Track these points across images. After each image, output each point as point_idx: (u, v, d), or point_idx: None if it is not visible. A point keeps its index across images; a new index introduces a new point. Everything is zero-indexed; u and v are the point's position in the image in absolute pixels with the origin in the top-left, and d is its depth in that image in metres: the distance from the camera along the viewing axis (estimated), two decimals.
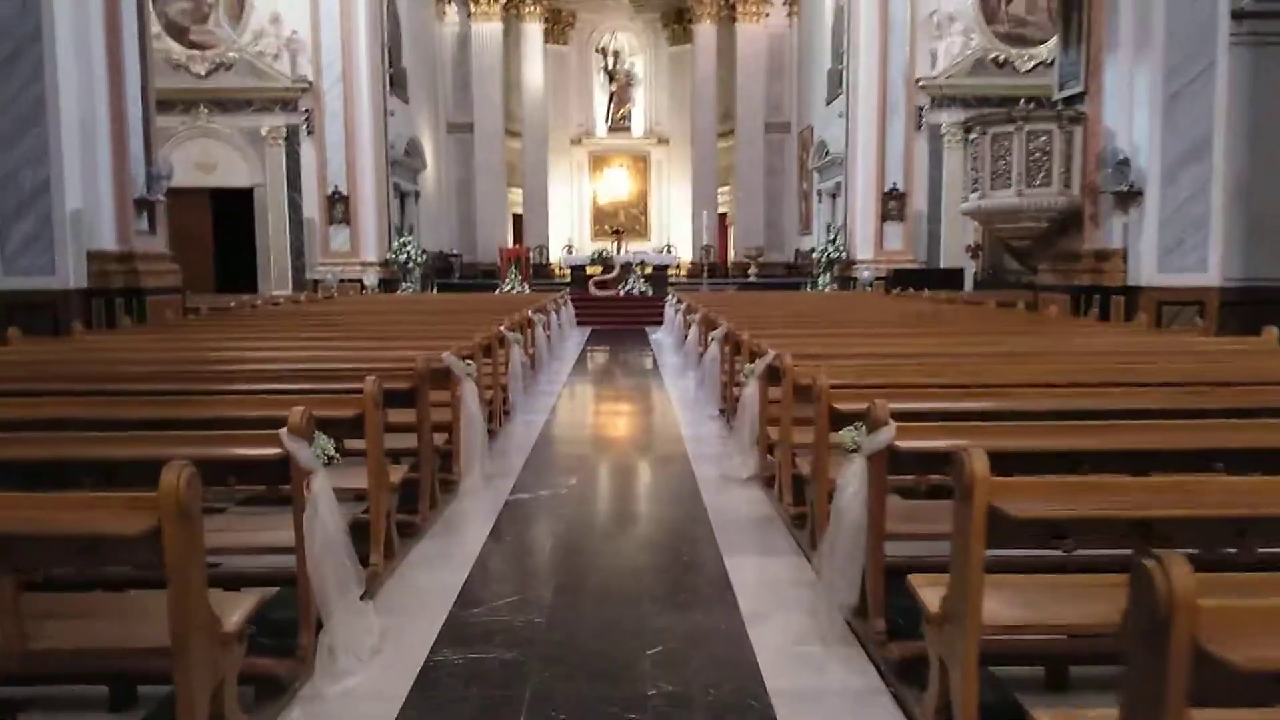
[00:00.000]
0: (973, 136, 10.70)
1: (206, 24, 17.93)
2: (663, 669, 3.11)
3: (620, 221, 26.88)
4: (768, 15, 25.36)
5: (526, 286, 19.97)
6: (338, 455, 3.17)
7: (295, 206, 18.41)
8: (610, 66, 28.11)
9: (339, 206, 18.38)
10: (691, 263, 25.03)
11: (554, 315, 12.86)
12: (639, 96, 28.33)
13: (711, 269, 23.25)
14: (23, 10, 8.91)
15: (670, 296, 16.17)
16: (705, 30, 25.53)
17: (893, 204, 18.52)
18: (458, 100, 25.27)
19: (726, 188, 26.62)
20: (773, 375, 5.35)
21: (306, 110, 18.18)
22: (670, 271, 21.65)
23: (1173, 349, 5.88)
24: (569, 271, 21.74)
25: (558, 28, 27.13)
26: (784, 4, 25.26)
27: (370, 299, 15.25)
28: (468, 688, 3.00)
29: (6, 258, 9.11)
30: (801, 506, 4.55)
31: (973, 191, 10.81)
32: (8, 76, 8.95)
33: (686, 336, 11.36)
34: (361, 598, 3.38)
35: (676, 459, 6.45)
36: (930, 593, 2.61)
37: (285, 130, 18.18)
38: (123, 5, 9.83)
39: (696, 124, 25.89)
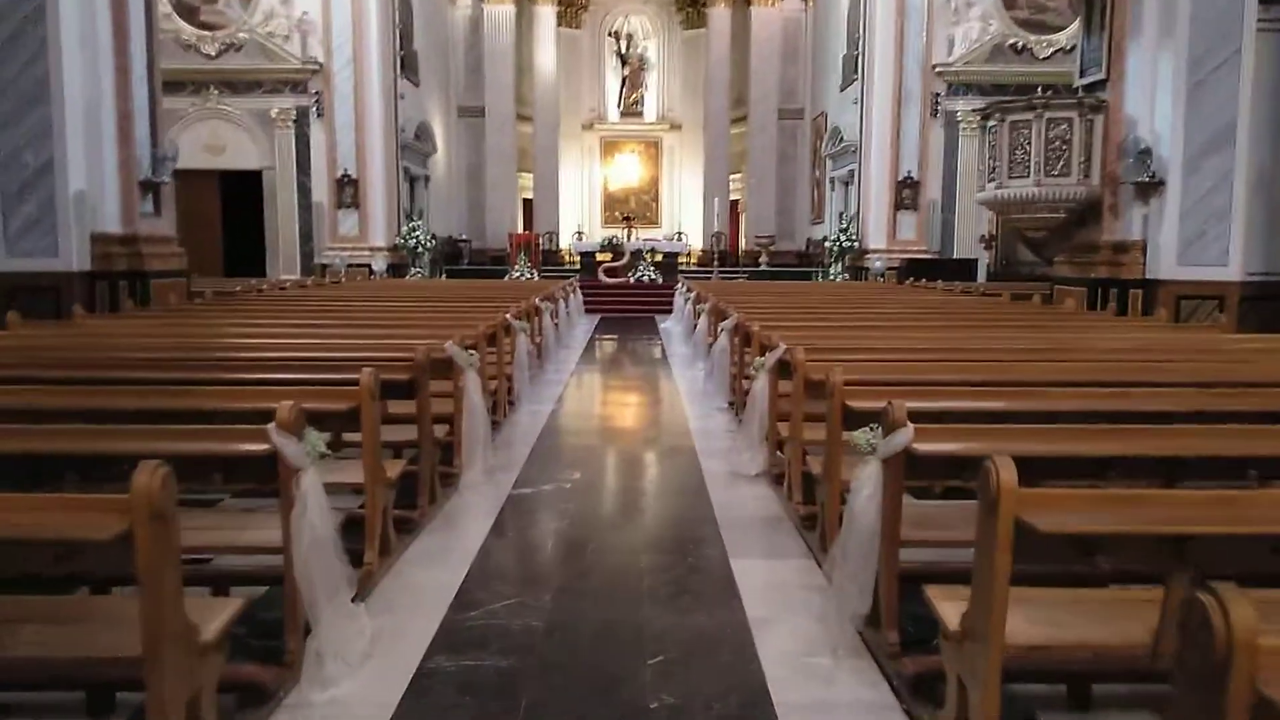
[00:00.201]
0: (991, 124, 10.47)
1: (217, 4, 17.78)
2: (664, 679, 2.98)
3: (631, 208, 26.68)
4: None
5: (536, 273, 19.81)
6: (330, 451, 3.04)
7: (304, 190, 18.29)
8: (623, 50, 27.84)
9: (348, 190, 18.25)
10: (702, 250, 24.83)
11: (562, 303, 12.72)
12: (651, 81, 28.07)
13: (722, 257, 23.05)
14: None
15: (680, 285, 16.00)
16: (719, 14, 25.24)
17: (906, 193, 18.28)
18: (469, 84, 25.07)
19: (738, 175, 26.37)
20: (783, 369, 5.20)
21: (316, 92, 18.03)
22: (680, 259, 21.47)
23: (1196, 347, 5.71)
24: (579, 258, 21.58)
25: (570, 11, 26.88)
26: None
27: (377, 284, 15.12)
28: (461, 696, 2.87)
29: (9, 239, 9.00)
30: (811, 506, 4.41)
31: (989, 180, 10.58)
32: (10, 55, 8.83)
33: (696, 326, 11.21)
34: (354, 598, 3.26)
35: (683, 453, 6.31)
36: (949, 607, 2.47)
37: (295, 112, 18.04)
38: None
39: (709, 109, 25.64)
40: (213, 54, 17.69)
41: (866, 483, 2.98)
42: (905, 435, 2.91)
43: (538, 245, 22.35)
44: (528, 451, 6.24)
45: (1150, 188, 9.30)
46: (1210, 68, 8.98)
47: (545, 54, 25.56)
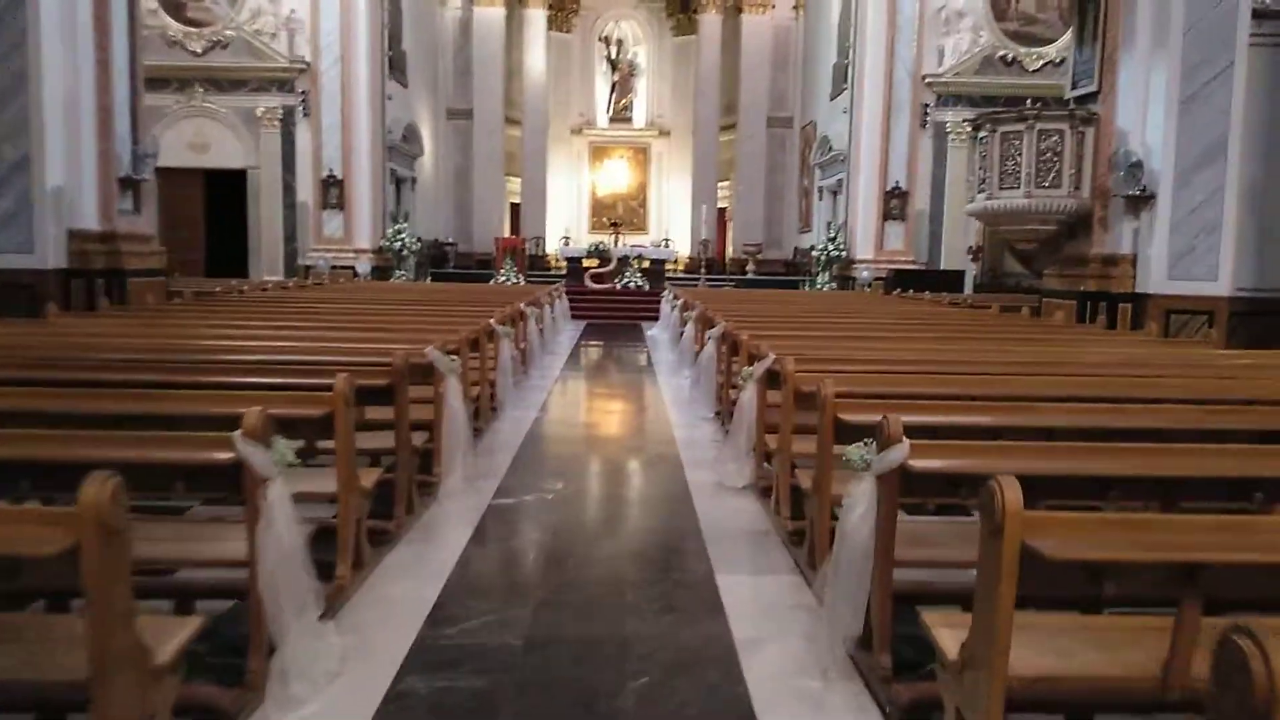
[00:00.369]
0: (982, 135, 10.41)
1: (204, 1, 17.58)
2: (647, 703, 2.85)
3: (619, 214, 26.55)
4: (773, 7, 25.02)
5: (522, 278, 19.67)
6: (298, 460, 2.90)
7: (289, 190, 18.09)
8: (613, 56, 27.75)
9: (333, 191, 18.05)
10: (689, 258, 24.75)
11: (548, 308, 12.58)
12: (641, 87, 28.00)
13: (709, 264, 22.96)
14: None
15: (667, 292, 15.90)
16: (710, 21, 25.20)
17: (895, 203, 18.23)
18: (458, 86, 24.91)
19: (726, 182, 26.31)
20: (772, 379, 5.09)
21: (303, 91, 17.84)
22: (668, 266, 21.37)
23: (1187, 362, 5.63)
24: (565, 263, 21.44)
25: (561, 15, 26.78)
26: None
27: (361, 286, 14.95)
28: (434, 719, 2.73)
29: None
30: (800, 521, 4.29)
31: (980, 191, 10.53)
32: None
33: (682, 333, 11.10)
34: (325, 614, 3.13)
35: (669, 463, 6.19)
36: (947, 635, 2.35)
37: (281, 111, 17.85)
38: None
39: (699, 116, 25.59)
40: (199, 51, 17.49)
41: (860, 500, 2.87)
42: (901, 451, 2.80)
43: (524, 250, 22.20)
44: (510, 460, 6.10)
45: (1141, 201, 9.25)
46: (1203, 81, 8.94)
47: (535, 58, 25.45)
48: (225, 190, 17.93)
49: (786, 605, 3.63)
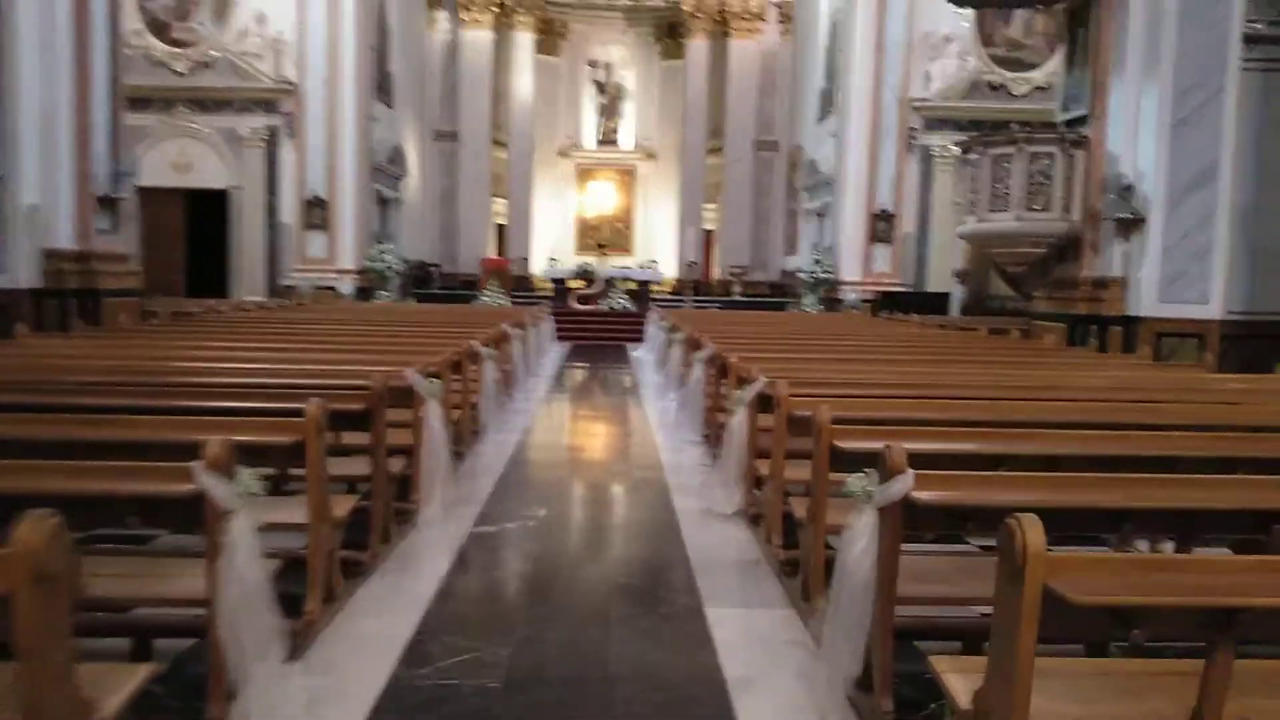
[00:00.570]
0: (972, 157, 10.35)
1: (189, 21, 17.45)
2: None
3: (605, 236, 26.45)
4: (761, 32, 25.10)
5: (507, 299, 19.51)
6: (263, 492, 2.72)
7: (272, 210, 17.91)
8: (601, 79, 27.75)
9: (317, 212, 17.88)
10: (676, 279, 24.67)
11: (533, 329, 12.42)
12: (629, 110, 27.98)
13: (696, 286, 22.88)
14: None
15: (653, 313, 15.76)
16: (698, 46, 25.25)
17: (881, 225, 18.20)
18: (445, 108, 24.83)
19: (713, 205, 26.29)
20: (763, 403, 4.93)
21: (288, 112, 17.70)
22: (653, 288, 21.25)
23: (1183, 386, 5.51)
24: (551, 284, 21.31)
25: (549, 38, 26.77)
26: (778, 21, 25.01)
27: (343, 307, 14.76)
28: None
29: None
30: (792, 551, 4.12)
31: (970, 214, 10.46)
32: None
33: (669, 355, 10.95)
34: (292, 653, 2.94)
35: (655, 488, 6.01)
36: (958, 682, 2.19)
37: (265, 132, 17.70)
38: None
39: (686, 140, 25.58)
40: (183, 71, 17.33)
41: (861, 534, 2.71)
42: (905, 482, 2.64)
43: (509, 271, 22.06)
44: (492, 485, 5.91)
45: (1131, 224, 9.19)
46: (1194, 105, 8.91)
47: (523, 81, 25.43)
48: (207, 210, 17.73)
49: (780, 641, 3.46)
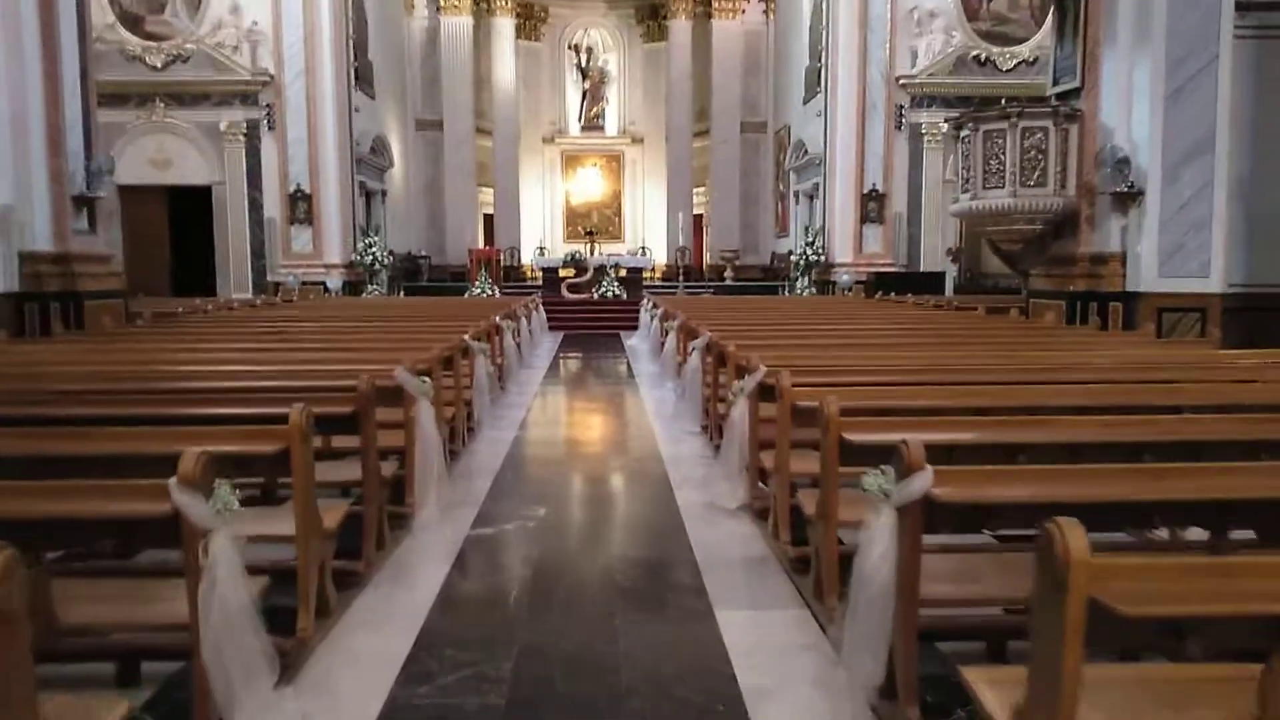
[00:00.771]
0: (964, 134, 10.16)
1: (163, 14, 17.15)
2: None
3: (594, 223, 26.24)
4: (744, 12, 24.86)
5: (497, 290, 19.33)
6: (239, 508, 2.55)
7: (255, 205, 17.68)
8: (583, 64, 27.47)
9: (301, 205, 17.65)
10: (666, 265, 24.49)
11: (524, 320, 12.25)
12: (612, 95, 27.73)
13: (687, 271, 22.71)
14: None
15: (645, 300, 15.60)
16: (680, 27, 24.99)
17: (872, 205, 18.07)
18: (426, 97, 24.56)
19: (702, 188, 26.10)
20: (765, 392, 4.78)
21: (268, 105, 17.44)
22: (645, 274, 21.08)
23: (1195, 363, 5.38)
24: (541, 274, 21.12)
25: (529, 23, 26.47)
26: (760, 0, 24.76)
27: (331, 303, 14.56)
28: None
29: None
30: (802, 548, 3.98)
31: (964, 192, 10.28)
32: None
33: (663, 343, 10.80)
34: (284, 673, 2.80)
35: (656, 482, 5.87)
36: (993, 696, 2.05)
37: (245, 125, 17.45)
38: None
39: (671, 123, 25.35)
40: (159, 65, 17.05)
41: (879, 536, 2.56)
42: (924, 479, 2.50)
43: (499, 261, 21.86)
44: (488, 485, 5.76)
45: (1128, 198, 9.04)
46: (1187, 75, 8.75)
47: (504, 67, 25.14)
48: (190, 207, 17.49)
49: (796, 645, 3.32)
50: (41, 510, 2.35)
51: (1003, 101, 10.46)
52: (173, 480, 2.38)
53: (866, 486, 2.64)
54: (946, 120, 13.30)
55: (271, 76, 17.27)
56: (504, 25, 25.06)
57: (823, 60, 18.77)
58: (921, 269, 17.81)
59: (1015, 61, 17.65)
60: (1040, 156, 9.63)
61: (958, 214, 10.96)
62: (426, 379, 4.93)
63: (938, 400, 3.99)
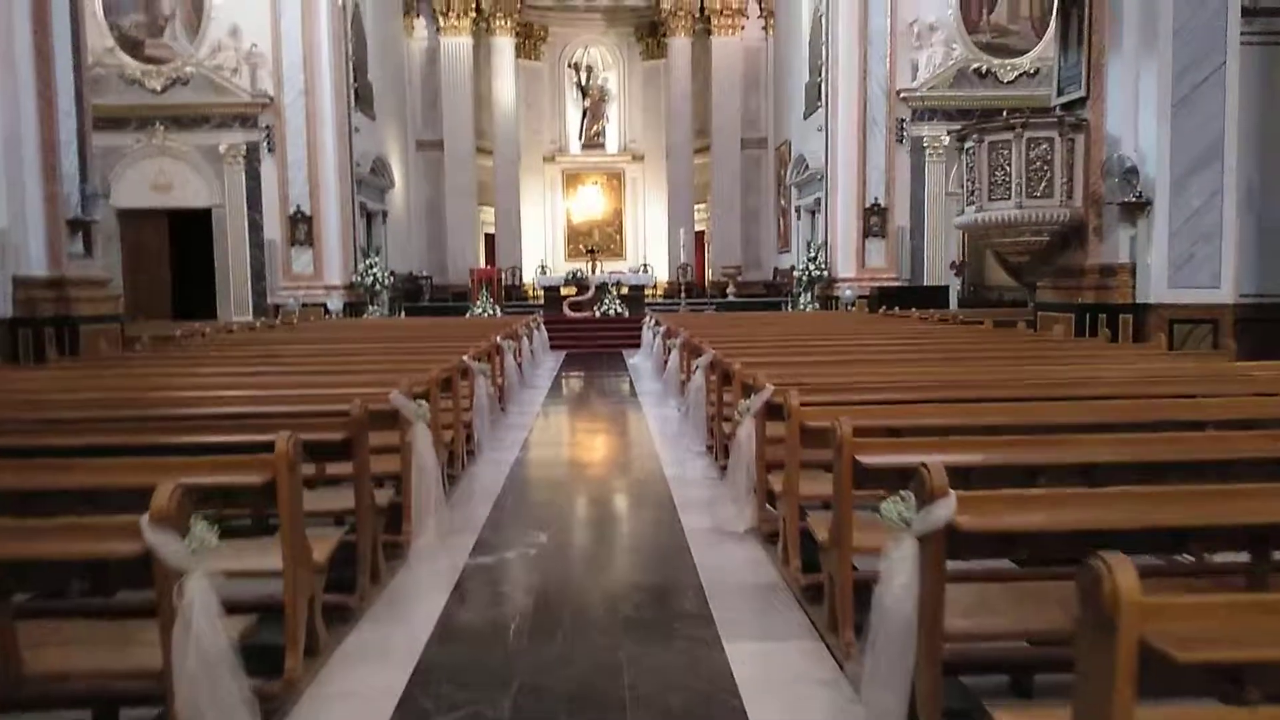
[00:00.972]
0: (969, 145, 10.05)
1: (162, 37, 17.11)
2: None
3: (595, 241, 26.17)
4: (743, 28, 24.86)
5: (498, 309, 19.21)
6: (216, 544, 2.40)
7: (256, 227, 17.58)
8: (583, 82, 27.46)
9: (301, 227, 17.55)
10: (668, 282, 24.37)
11: (526, 340, 12.11)
12: (613, 112, 27.69)
13: (689, 288, 22.60)
14: None
15: (648, 318, 15.46)
16: (679, 44, 24.97)
17: (874, 219, 17.94)
18: (427, 117, 24.55)
19: (703, 205, 26.02)
20: (772, 411, 4.63)
21: (267, 126, 17.38)
22: (647, 291, 20.97)
23: (1216, 376, 5.23)
24: (542, 293, 21.01)
25: (529, 43, 26.47)
26: (759, 17, 24.76)
27: (331, 325, 14.45)
28: None
29: None
30: (813, 575, 3.82)
31: (969, 204, 10.16)
32: None
33: (666, 361, 10.65)
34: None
35: (661, 505, 5.71)
36: None
37: (245, 147, 17.37)
38: (53, 10, 9.02)
39: (671, 140, 25.29)
40: (158, 89, 17.00)
41: (900, 568, 2.41)
42: (947, 507, 2.35)
43: (500, 281, 21.76)
44: (488, 510, 5.60)
45: (1136, 208, 8.91)
46: (1194, 83, 8.64)
47: (504, 86, 25.12)
48: (190, 230, 17.41)
49: (810, 681, 3.15)
50: (3, 554, 2.20)
51: (1004, 113, 10.36)
52: (144, 517, 2.23)
53: (885, 514, 2.48)
54: (950, 132, 13.21)
55: (271, 98, 17.22)
56: (504, 45, 25.05)
57: (823, 75, 18.70)
58: (925, 283, 17.67)
59: (1016, 73, 17.57)
60: (1046, 167, 9.51)
61: (963, 226, 10.84)
62: (423, 402, 4.78)
63: (950, 418, 3.84)
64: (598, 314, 18.92)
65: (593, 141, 27.61)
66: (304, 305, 17.18)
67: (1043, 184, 9.50)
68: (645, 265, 24.34)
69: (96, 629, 2.79)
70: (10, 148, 8.68)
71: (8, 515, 2.65)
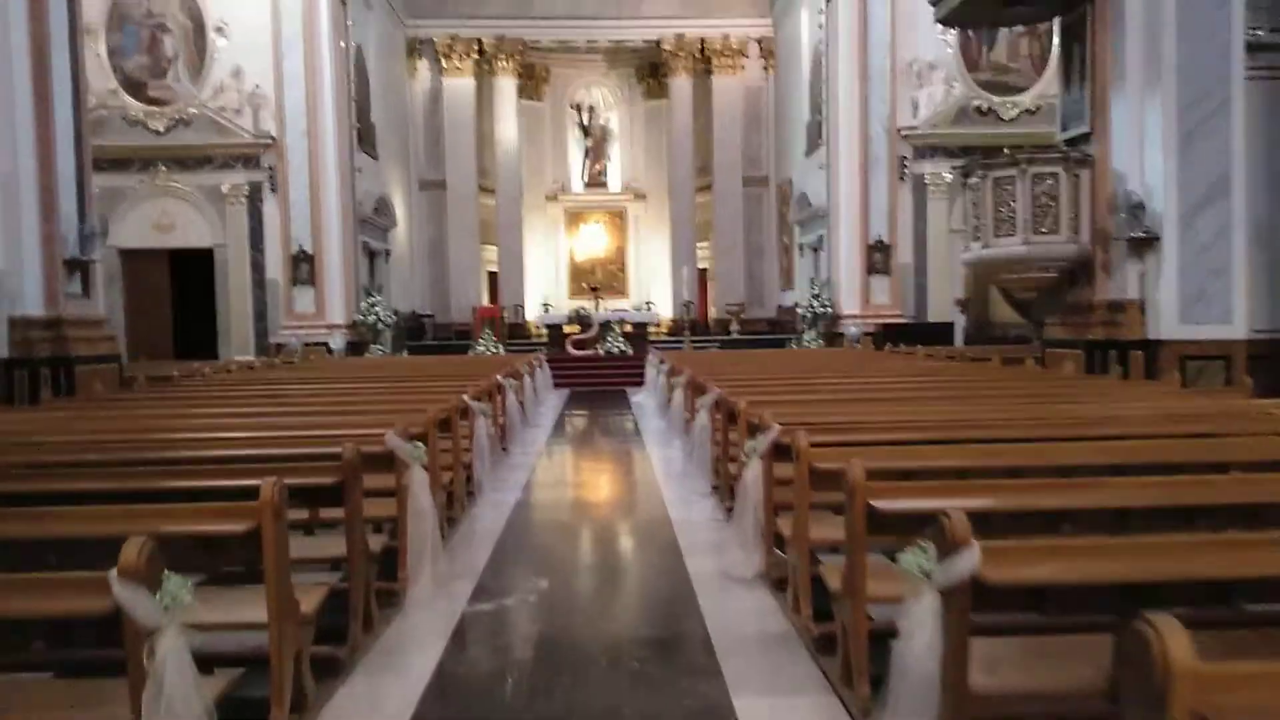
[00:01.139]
0: (973, 181, 9.97)
1: (165, 79, 17.20)
2: None
3: (598, 279, 26.13)
4: (743, 68, 24.99)
5: (501, 347, 19.12)
6: (198, 594, 2.26)
7: (258, 266, 17.56)
8: (585, 122, 27.60)
9: (303, 266, 17.52)
10: (672, 320, 24.29)
11: (528, 378, 11.98)
12: (615, 152, 27.80)
13: (692, 326, 22.51)
14: None
15: (651, 356, 15.35)
16: (680, 84, 25.10)
17: (878, 256, 17.89)
18: (429, 157, 24.66)
19: (705, 243, 26.02)
20: (779, 451, 4.49)
21: (270, 167, 17.41)
22: (650, 329, 20.89)
23: (1235, 414, 5.08)
24: (546, 331, 20.92)
25: (531, 83, 26.64)
26: (760, 56, 24.92)
27: (332, 364, 14.33)
28: None
29: None
30: (825, 624, 3.65)
31: (975, 240, 10.06)
32: None
33: (670, 400, 10.51)
34: None
35: (666, 550, 5.54)
36: None
37: (247, 188, 17.40)
38: (52, 50, 9.02)
39: (674, 178, 25.35)
40: (161, 130, 17.06)
41: (922, 624, 2.25)
42: (971, 558, 2.19)
43: (503, 319, 21.70)
44: (488, 554, 5.43)
45: (1145, 244, 8.80)
46: (1200, 118, 8.56)
47: (507, 126, 25.23)
48: (193, 270, 17.39)
49: None
50: None
51: (1005, 150, 10.29)
52: (113, 572, 2.09)
53: (904, 566, 2.33)
54: (953, 169, 13.14)
55: (274, 139, 17.27)
56: (506, 85, 25.20)
57: (824, 114, 18.76)
58: (930, 319, 17.57)
59: (1017, 110, 17.59)
60: (1052, 203, 9.41)
61: (969, 263, 10.74)
62: (420, 444, 4.64)
63: (966, 460, 3.69)
64: (601, 352, 18.82)
65: (595, 180, 27.69)
66: (306, 344, 17.09)
67: (1049, 220, 9.40)
68: (648, 303, 24.28)
69: (66, 689, 2.63)
70: (8, 188, 8.62)
71: None
